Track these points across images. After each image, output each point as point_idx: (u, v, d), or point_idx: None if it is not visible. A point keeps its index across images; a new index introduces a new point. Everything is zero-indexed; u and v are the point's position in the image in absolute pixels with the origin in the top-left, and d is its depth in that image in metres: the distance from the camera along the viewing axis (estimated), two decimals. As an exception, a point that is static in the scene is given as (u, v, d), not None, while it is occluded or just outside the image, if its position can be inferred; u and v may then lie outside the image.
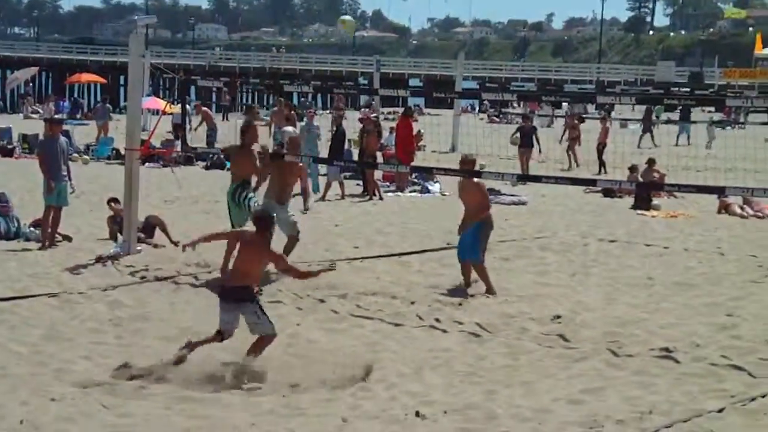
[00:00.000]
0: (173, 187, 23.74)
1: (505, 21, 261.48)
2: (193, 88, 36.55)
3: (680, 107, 39.93)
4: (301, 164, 16.29)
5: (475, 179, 13.93)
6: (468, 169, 13.97)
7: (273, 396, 9.00)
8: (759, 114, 55.44)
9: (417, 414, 8.58)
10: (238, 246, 10.33)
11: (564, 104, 59.62)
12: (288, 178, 15.00)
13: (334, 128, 26.16)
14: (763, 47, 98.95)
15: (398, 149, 26.14)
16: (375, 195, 24.35)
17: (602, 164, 33.15)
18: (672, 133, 45.71)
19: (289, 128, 29.66)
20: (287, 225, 14.57)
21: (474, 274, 13.73)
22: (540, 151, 32.65)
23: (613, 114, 58.88)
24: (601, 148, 33.78)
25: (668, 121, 50.06)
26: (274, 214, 11.89)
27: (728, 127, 53.94)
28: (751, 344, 10.95)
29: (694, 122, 48.01)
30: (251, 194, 14.43)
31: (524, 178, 22.01)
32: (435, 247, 16.66)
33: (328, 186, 24.16)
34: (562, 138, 36.69)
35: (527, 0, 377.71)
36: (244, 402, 8.84)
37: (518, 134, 32.83)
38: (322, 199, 23.72)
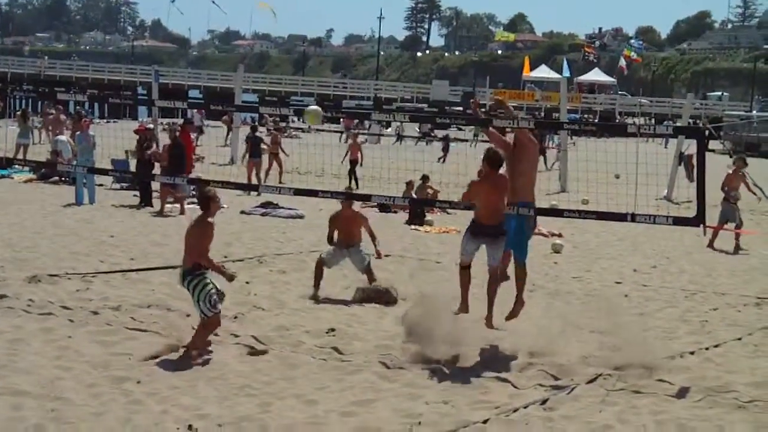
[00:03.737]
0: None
1: (286, 36, 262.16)
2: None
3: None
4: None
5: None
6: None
7: (40, 410, 8.79)
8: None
9: (189, 428, 8.55)
10: (484, 189, 11.94)
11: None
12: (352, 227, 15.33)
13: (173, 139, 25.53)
14: (531, 70, 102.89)
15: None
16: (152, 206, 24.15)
17: (354, 179, 33.61)
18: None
19: (63, 137, 29.04)
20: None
21: None
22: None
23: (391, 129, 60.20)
24: (353, 165, 34.28)
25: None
26: None
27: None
28: (515, 356, 11.41)
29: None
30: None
31: (301, 192, 22.14)
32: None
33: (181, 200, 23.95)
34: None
35: (307, 15, 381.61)
36: (7, 417, 8.57)
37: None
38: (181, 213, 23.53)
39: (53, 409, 8.83)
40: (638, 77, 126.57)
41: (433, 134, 62.11)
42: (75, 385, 9.62)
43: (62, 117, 34.08)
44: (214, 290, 10.88)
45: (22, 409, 8.79)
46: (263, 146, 33.08)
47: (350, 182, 33.16)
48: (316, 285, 14.86)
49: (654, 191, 28.38)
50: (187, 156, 24.89)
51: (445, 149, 49.56)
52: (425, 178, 26.73)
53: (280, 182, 31.39)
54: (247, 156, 32.45)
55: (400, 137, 60.01)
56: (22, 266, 15.42)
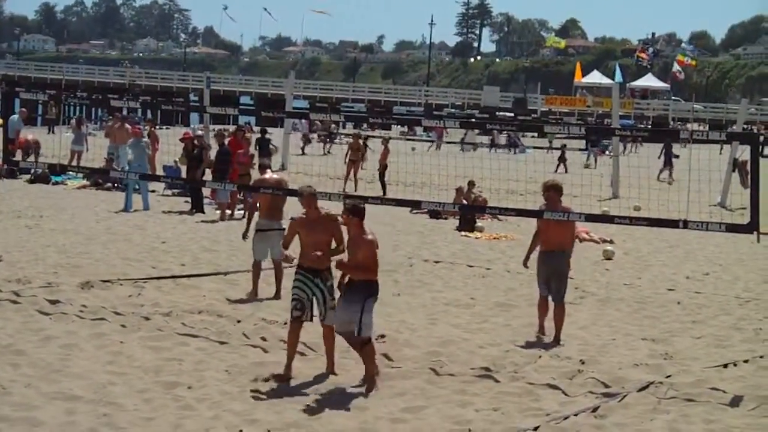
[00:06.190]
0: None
1: (337, 42, 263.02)
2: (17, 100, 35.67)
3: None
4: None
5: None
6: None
7: (92, 415, 8.86)
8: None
9: (240, 432, 8.61)
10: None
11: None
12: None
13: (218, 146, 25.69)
14: (583, 76, 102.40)
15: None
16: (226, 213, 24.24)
17: (383, 186, 33.45)
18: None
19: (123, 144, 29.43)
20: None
21: None
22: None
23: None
24: (382, 170, 34.14)
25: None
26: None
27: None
28: (566, 364, 11.34)
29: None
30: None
31: (352, 197, 22.20)
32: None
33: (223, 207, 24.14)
34: (346, 159, 36.52)
35: (358, 22, 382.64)
36: (61, 422, 8.65)
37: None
38: (221, 219, 23.76)
39: (105, 414, 8.90)
40: (692, 83, 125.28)
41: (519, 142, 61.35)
42: (126, 390, 9.69)
43: (126, 125, 34.10)
44: (296, 295, 10.69)
45: (75, 413, 8.87)
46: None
47: (383, 189, 33.01)
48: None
49: (707, 198, 28.14)
50: (232, 162, 24.87)
51: (561, 158, 48.83)
52: (471, 184, 26.66)
53: (344, 189, 31.67)
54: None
55: (493, 145, 59.21)
56: (75, 272, 15.57)
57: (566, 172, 44.29)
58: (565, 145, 50.70)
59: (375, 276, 10.33)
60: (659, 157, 45.39)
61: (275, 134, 44.56)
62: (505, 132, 61.39)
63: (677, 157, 45.19)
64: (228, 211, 24.22)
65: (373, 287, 10.33)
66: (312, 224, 10.74)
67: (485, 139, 61.66)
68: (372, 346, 10.35)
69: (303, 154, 48.13)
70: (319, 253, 10.38)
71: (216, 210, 24.76)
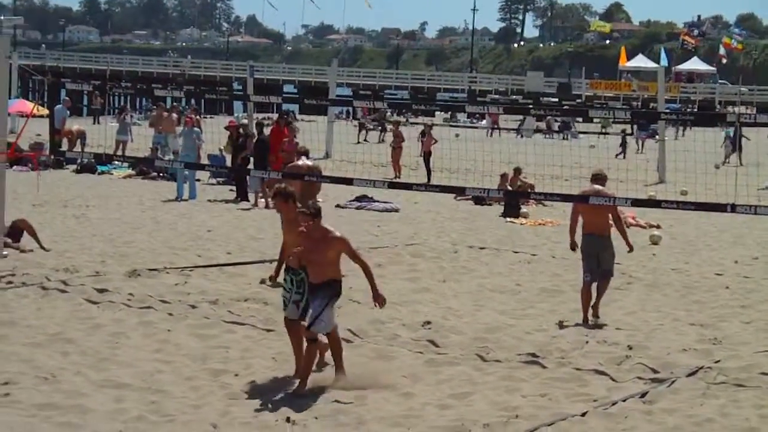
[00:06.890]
0: (42, 190, 23.36)
1: (379, 29, 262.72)
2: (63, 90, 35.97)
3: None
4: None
5: None
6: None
7: (141, 403, 8.91)
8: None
9: (288, 420, 8.60)
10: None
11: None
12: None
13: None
14: (627, 60, 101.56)
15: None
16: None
17: (429, 172, 33.32)
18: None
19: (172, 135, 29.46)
20: None
21: None
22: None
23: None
24: (427, 156, 33.93)
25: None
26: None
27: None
28: (613, 349, 11.27)
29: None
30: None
31: (396, 185, 22.19)
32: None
33: (256, 195, 24.21)
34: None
35: (401, 9, 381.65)
36: (110, 409, 8.71)
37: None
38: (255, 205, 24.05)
39: (153, 402, 8.95)
40: (739, 65, 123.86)
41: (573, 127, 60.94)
42: (174, 378, 9.74)
43: (174, 115, 34.14)
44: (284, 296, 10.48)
45: (124, 401, 8.93)
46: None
47: (428, 176, 32.76)
48: None
49: (756, 181, 27.86)
50: (272, 151, 24.82)
51: (623, 144, 48.38)
52: (517, 171, 26.51)
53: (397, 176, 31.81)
54: None
55: (550, 131, 59.00)
56: (122, 261, 15.67)
57: (622, 157, 43.79)
58: (624, 130, 50.21)
59: (340, 275, 10.00)
60: (721, 146, 42.23)
61: (320, 121, 44.64)
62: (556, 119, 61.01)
63: (748, 139, 43.34)
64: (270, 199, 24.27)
65: (339, 286, 9.97)
66: (290, 223, 10.58)
67: (540, 125, 61.29)
68: (317, 347, 9.73)
69: (359, 142, 47.75)
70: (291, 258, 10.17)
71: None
